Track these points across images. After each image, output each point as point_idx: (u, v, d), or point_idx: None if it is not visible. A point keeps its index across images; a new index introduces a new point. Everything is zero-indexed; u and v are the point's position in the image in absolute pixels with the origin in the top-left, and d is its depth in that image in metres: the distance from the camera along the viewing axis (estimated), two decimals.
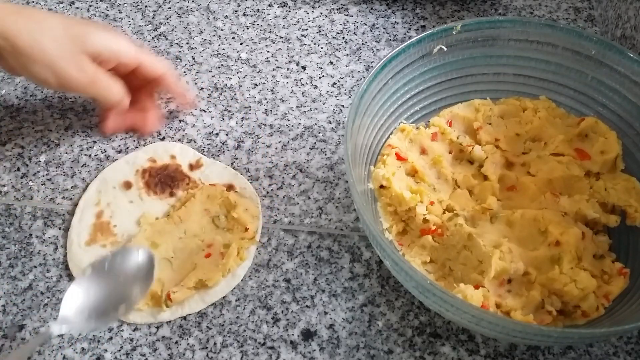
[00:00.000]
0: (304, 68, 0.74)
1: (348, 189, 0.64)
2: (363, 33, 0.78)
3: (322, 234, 0.61)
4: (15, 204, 0.63)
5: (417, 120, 0.64)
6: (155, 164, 0.63)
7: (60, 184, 0.64)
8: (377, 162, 0.60)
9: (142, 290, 0.54)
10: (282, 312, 0.56)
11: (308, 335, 0.55)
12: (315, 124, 0.69)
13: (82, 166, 0.65)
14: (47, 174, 0.65)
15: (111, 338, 0.55)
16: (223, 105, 0.70)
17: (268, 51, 0.76)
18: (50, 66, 0.55)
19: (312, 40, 0.77)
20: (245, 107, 0.70)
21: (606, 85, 0.61)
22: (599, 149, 0.59)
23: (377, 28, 0.78)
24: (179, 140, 0.67)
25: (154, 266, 0.55)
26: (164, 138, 0.67)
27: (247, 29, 0.78)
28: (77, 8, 0.80)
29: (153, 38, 0.77)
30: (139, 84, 0.65)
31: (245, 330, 0.55)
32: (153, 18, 0.79)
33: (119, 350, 0.54)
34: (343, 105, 0.71)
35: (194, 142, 0.67)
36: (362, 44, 0.77)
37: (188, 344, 0.54)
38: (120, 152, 0.66)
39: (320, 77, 0.73)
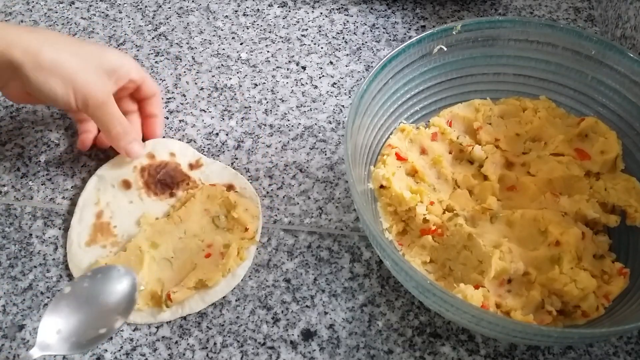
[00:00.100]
0: (304, 68, 0.74)
1: (348, 189, 0.64)
2: (363, 33, 0.78)
3: (322, 234, 0.61)
4: (15, 204, 0.63)
5: (417, 120, 0.64)
6: (154, 160, 0.63)
7: (60, 184, 0.64)
8: (377, 162, 0.60)
9: (125, 312, 0.53)
10: (282, 312, 0.56)
11: (308, 335, 0.55)
12: (315, 124, 0.69)
13: (82, 166, 0.65)
14: (47, 174, 0.65)
15: (111, 338, 0.54)
16: (223, 105, 0.70)
17: (268, 51, 0.76)
18: (71, 80, 0.56)
19: (312, 40, 0.77)
20: (245, 107, 0.70)
21: (606, 85, 0.61)
22: (599, 149, 0.59)
23: (377, 28, 0.79)
24: (179, 140, 0.67)
25: (136, 286, 0.54)
26: (163, 137, 0.67)
27: (247, 29, 0.78)
28: (77, 8, 0.80)
29: (153, 38, 0.77)
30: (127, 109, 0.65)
31: (245, 330, 0.55)
32: (153, 18, 0.79)
33: (119, 350, 0.54)
34: (343, 105, 0.71)
35: (194, 142, 0.67)
36: (362, 44, 0.77)
37: (188, 344, 0.54)
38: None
39: (320, 77, 0.73)
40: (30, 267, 0.59)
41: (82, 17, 0.79)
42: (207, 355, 0.54)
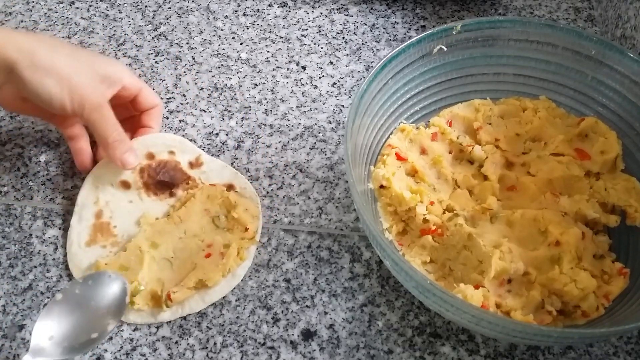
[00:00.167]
0: (304, 68, 0.74)
1: (348, 189, 0.64)
2: (363, 33, 0.78)
3: (322, 234, 0.61)
4: (15, 204, 0.63)
5: (417, 120, 0.64)
6: (154, 160, 0.62)
7: (60, 184, 0.64)
8: (377, 162, 0.60)
9: (116, 315, 0.53)
10: (282, 312, 0.56)
11: (308, 335, 0.55)
12: (315, 124, 0.69)
13: None
14: (47, 174, 0.65)
15: (111, 338, 0.55)
16: (223, 105, 0.70)
17: (268, 51, 0.76)
18: (67, 81, 0.55)
19: (312, 40, 0.77)
20: (245, 107, 0.70)
21: (606, 85, 0.61)
22: (599, 149, 0.59)
23: (377, 28, 0.79)
24: None
25: (126, 291, 0.54)
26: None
27: (247, 29, 0.78)
28: (77, 8, 0.80)
29: (153, 38, 0.77)
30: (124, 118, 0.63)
31: (245, 330, 0.55)
32: (153, 18, 0.79)
33: (119, 350, 0.54)
34: (343, 105, 0.71)
35: (194, 142, 0.67)
36: (362, 44, 0.77)
37: (188, 344, 0.54)
38: None
39: (320, 77, 0.73)
40: (30, 267, 0.59)
41: (82, 17, 0.79)
42: (207, 355, 0.54)
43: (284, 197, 0.63)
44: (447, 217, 0.57)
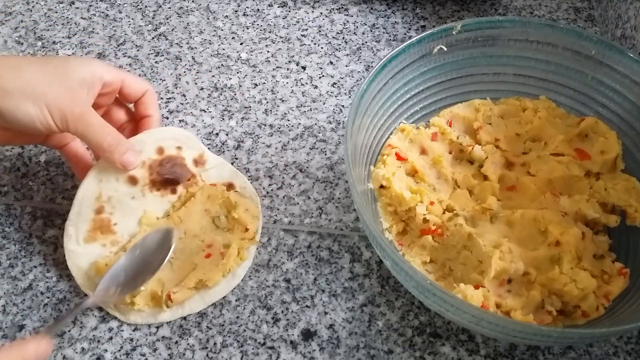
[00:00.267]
0: (304, 68, 0.74)
1: (348, 189, 0.64)
2: (363, 33, 0.78)
3: (322, 234, 0.61)
4: (15, 204, 0.63)
5: (417, 120, 0.64)
6: (162, 155, 0.60)
7: (60, 184, 0.64)
8: (377, 162, 0.60)
9: (160, 262, 0.55)
10: (282, 312, 0.56)
11: (308, 335, 0.55)
12: (315, 124, 0.69)
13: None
14: (47, 174, 0.65)
15: (111, 338, 0.55)
16: (223, 105, 0.70)
17: (268, 51, 0.76)
18: (42, 99, 0.52)
19: (312, 40, 0.77)
20: (245, 107, 0.70)
21: (606, 85, 0.61)
22: (599, 149, 0.59)
23: (377, 28, 0.79)
24: None
25: (172, 241, 0.56)
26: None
27: (247, 29, 0.78)
28: (77, 8, 0.80)
29: (153, 38, 0.77)
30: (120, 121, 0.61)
31: (245, 330, 0.55)
32: (153, 18, 0.79)
33: (119, 350, 0.54)
34: (343, 105, 0.71)
35: None
36: (362, 44, 0.77)
37: (188, 344, 0.54)
38: None
39: (320, 77, 0.73)
40: (30, 267, 0.59)
41: (82, 17, 0.79)
42: (207, 355, 0.54)
43: (284, 197, 0.63)
44: (447, 217, 0.57)
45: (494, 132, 0.62)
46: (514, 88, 0.64)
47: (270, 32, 0.78)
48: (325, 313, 0.56)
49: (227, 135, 0.68)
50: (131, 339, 0.55)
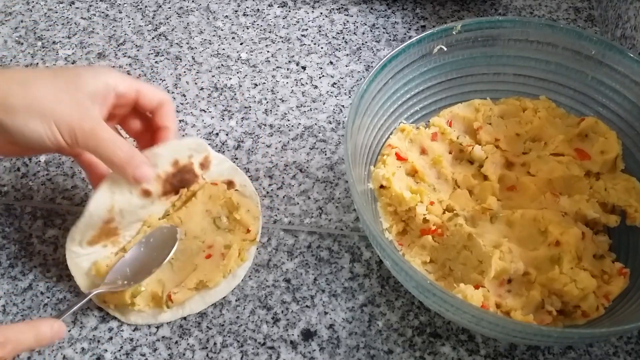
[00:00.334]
0: (304, 68, 0.74)
1: (348, 189, 0.64)
2: (363, 33, 0.78)
3: (322, 234, 0.61)
4: (15, 204, 0.63)
5: (417, 120, 0.64)
6: (177, 167, 0.58)
7: (60, 184, 0.64)
8: (377, 162, 0.60)
9: (164, 257, 0.57)
10: (282, 312, 0.56)
11: (308, 335, 0.55)
12: (315, 124, 0.69)
13: None
14: (47, 174, 0.65)
15: (111, 338, 0.55)
16: (223, 105, 0.70)
17: (268, 51, 0.76)
18: (49, 114, 0.49)
19: (312, 40, 0.77)
20: (245, 107, 0.70)
21: (606, 85, 0.61)
22: (599, 149, 0.59)
23: (377, 28, 0.79)
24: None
25: (176, 237, 0.58)
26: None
27: (247, 29, 0.78)
28: (77, 8, 0.80)
29: (153, 38, 0.77)
30: (137, 131, 0.59)
31: (245, 330, 0.55)
32: (153, 18, 0.79)
33: (119, 350, 0.54)
34: (343, 105, 0.71)
35: None
36: (362, 44, 0.77)
37: (188, 344, 0.54)
38: None
39: (320, 77, 0.73)
40: (30, 267, 0.59)
41: (82, 17, 0.79)
42: (207, 355, 0.54)
43: (284, 197, 0.63)
44: (447, 217, 0.57)
45: (494, 132, 0.62)
46: (514, 88, 0.64)
47: (270, 32, 0.78)
48: (325, 313, 0.56)
49: (227, 135, 0.68)
50: (131, 339, 0.55)
